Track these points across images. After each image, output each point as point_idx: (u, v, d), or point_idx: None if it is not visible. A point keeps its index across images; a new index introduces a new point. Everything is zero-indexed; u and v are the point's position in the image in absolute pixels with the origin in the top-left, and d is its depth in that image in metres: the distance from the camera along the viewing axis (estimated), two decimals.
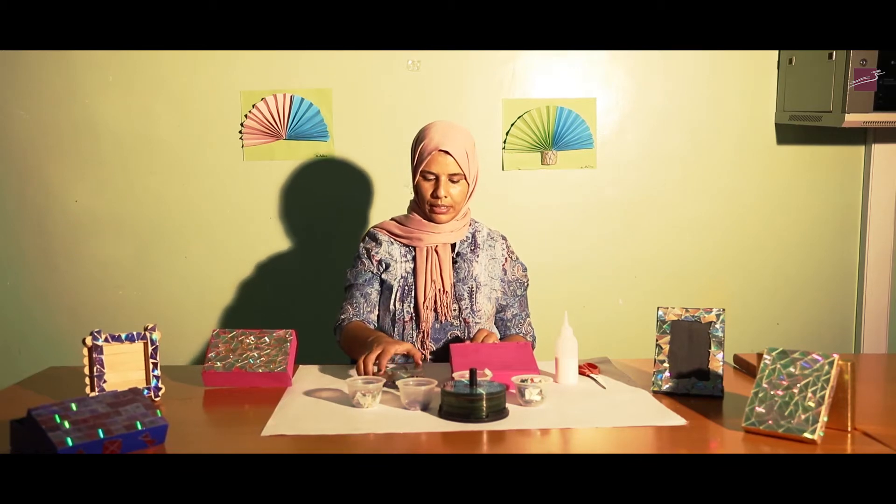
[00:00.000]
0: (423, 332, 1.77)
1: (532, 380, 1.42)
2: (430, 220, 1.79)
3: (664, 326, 1.49)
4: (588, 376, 1.61)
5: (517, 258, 1.89)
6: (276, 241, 2.36)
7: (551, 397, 1.44)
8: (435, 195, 1.78)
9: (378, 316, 1.77)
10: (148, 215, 2.33)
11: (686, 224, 2.46)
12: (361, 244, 1.85)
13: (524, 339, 1.89)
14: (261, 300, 2.35)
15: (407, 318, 1.74)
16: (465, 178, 1.79)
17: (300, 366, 1.71)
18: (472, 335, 1.71)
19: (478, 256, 1.83)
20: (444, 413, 1.34)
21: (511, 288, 1.85)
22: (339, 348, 1.85)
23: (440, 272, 1.78)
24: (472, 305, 1.77)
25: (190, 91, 2.16)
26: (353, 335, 1.80)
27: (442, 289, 1.77)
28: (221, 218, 2.35)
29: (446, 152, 1.76)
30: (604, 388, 1.53)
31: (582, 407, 1.40)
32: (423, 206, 1.79)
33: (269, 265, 2.34)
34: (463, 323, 1.75)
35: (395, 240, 1.83)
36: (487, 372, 1.44)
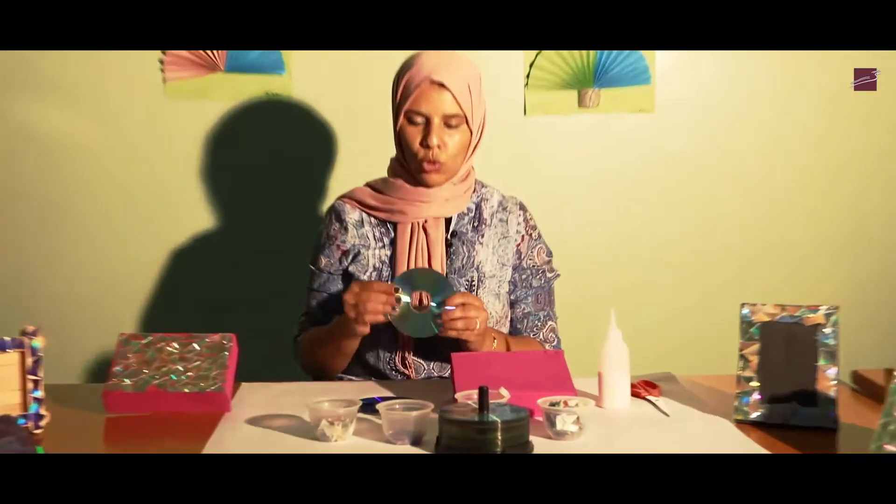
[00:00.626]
0: (402, 346, 1.78)
1: (566, 403, 1.44)
2: (419, 183, 1.79)
3: (751, 330, 1.50)
4: (645, 399, 1.62)
5: (539, 237, 1.90)
6: (209, 213, 2.35)
7: (593, 428, 1.44)
8: (424, 144, 1.75)
9: None
10: (26, 173, 2.30)
11: (782, 190, 2.44)
12: (322, 228, 1.88)
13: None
14: (188, 294, 2.36)
15: (381, 326, 1.73)
16: (467, 123, 1.76)
17: (242, 383, 1.73)
18: (471, 347, 1.70)
19: (482, 236, 1.84)
20: (444, 448, 1.35)
21: (525, 278, 1.85)
22: (301, 369, 1.87)
23: (428, 258, 1.78)
24: None
25: None
26: (315, 339, 1.80)
27: None
28: (132, 180, 2.32)
29: (441, 85, 1.73)
30: (667, 415, 1.54)
31: (636, 442, 1.41)
32: (409, 164, 1.81)
33: (198, 247, 2.35)
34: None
35: (370, 214, 1.84)
36: (504, 392, 1.44)
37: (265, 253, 2.35)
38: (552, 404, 1.43)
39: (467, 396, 1.45)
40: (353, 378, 1.84)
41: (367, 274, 1.81)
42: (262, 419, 1.52)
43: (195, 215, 2.33)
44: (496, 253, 1.84)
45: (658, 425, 1.49)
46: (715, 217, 2.44)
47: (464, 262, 1.81)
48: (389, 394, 1.66)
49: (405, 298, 1.66)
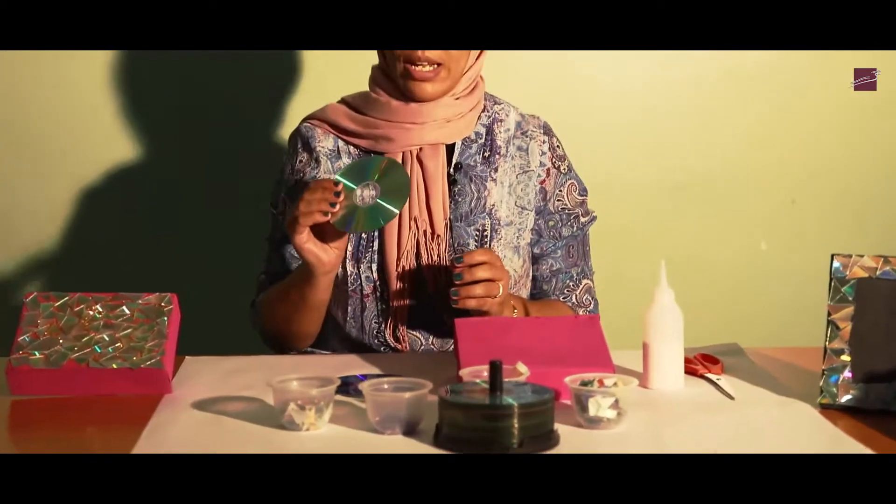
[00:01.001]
0: (394, 314, 1.82)
1: (601, 382, 1.44)
2: (409, 98, 1.80)
3: (844, 290, 1.50)
4: (703, 377, 1.62)
5: (570, 169, 1.91)
6: (135, 145, 2.39)
7: (635, 414, 1.44)
8: None
9: None
10: None
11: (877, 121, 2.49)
12: (286, 160, 1.91)
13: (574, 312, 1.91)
14: (116, 242, 2.40)
15: (366, 291, 1.78)
16: None
17: (186, 357, 1.74)
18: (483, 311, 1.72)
19: (495, 170, 1.86)
20: (445, 440, 1.36)
21: (552, 224, 1.88)
22: (263, 339, 1.87)
23: (426, 199, 1.80)
24: None
25: None
26: (274, 296, 1.81)
27: (429, 231, 1.80)
28: (38, 84, 2.34)
29: None
30: (731, 398, 1.54)
31: (690, 433, 1.42)
32: (395, 71, 1.81)
33: (126, 187, 2.39)
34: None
35: (346, 140, 1.85)
36: (522, 368, 1.45)
37: (216, 194, 2.40)
38: (584, 383, 1.43)
39: (475, 373, 1.45)
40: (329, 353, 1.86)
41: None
42: (213, 403, 1.52)
43: (114, 147, 2.39)
44: (514, 193, 1.85)
45: (719, 411, 1.49)
46: (802, 149, 2.49)
47: (472, 205, 1.83)
48: (376, 370, 1.66)
49: (351, 187, 1.67)
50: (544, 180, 1.86)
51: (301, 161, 1.86)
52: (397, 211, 1.68)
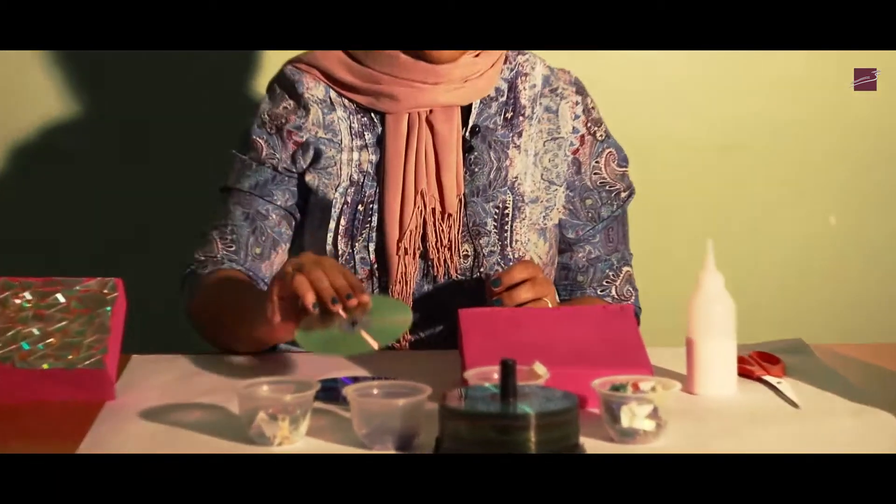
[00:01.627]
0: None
1: (636, 386, 1.44)
2: (420, 56, 1.85)
3: None
4: (760, 380, 1.62)
5: (608, 135, 1.95)
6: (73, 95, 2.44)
7: (678, 425, 1.45)
8: None
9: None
10: None
11: None
12: (262, 106, 1.92)
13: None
14: (50, 224, 2.46)
15: (360, 275, 1.83)
16: None
17: (133, 356, 1.75)
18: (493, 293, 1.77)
19: (519, 134, 1.89)
20: (447, 452, 1.36)
21: (590, 204, 1.90)
22: (192, 322, 1.87)
23: (436, 171, 1.81)
24: (504, 243, 1.83)
25: None
26: (229, 290, 1.83)
27: (439, 209, 1.83)
28: None
29: None
30: (795, 405, 1.55)
31: (745, 449, 1.43)
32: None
33: (66, 155, 2.46)
34: (481, 284, 1.81)
35: (342, 94, 1.88)
36: (539, 368, 1.46)
37: (157, 172, 2.46)
38: (615, 388, 1.43)
39: (483, 376, 1.47)
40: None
41: (337, 191, 1.84)
42: (166, 412, 1.53)
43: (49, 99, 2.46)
44: (541, 163, 1.88)
45: (780, 422, 1.49)
46: (880, 107, 2.50)
47: (491, 176, 1.86)
48: (364, 372, 1.67)
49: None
50: (577, 149, 1.89)
51: (286, 107, 1.88)
52: (373, 349, 1.61)
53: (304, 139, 1.86)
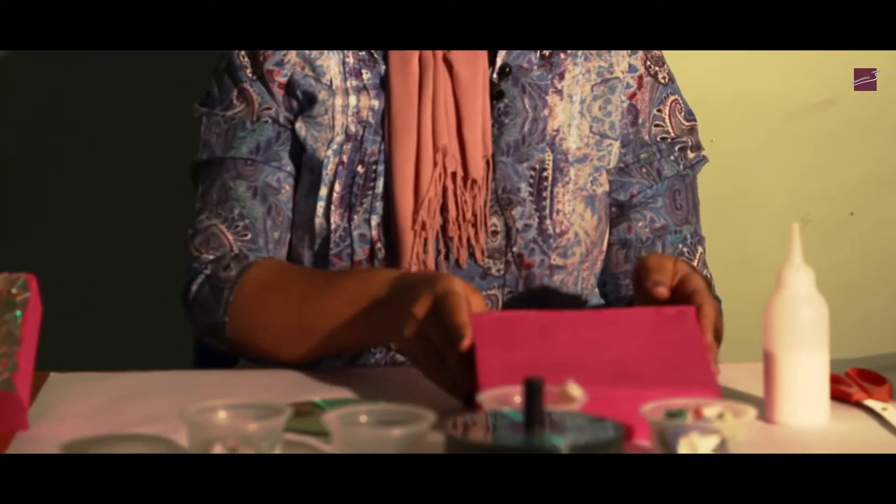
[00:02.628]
0: None
1: (698, 412, 1.45)
2: None
3: None
4: (860, 406, 1.64)
5: (672, 80, 2.01)
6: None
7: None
8: None
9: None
10: None
11: None
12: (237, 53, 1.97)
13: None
14: None
15: (359, 256, 1.88)
16: None
17: (52, 374, 1.76)
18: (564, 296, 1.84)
19: (561, 75, 1.93)
20: None
21: (646, 158, 1.95)
22: (229, 342, 1.88)
23: (457, 125, 1.86)
24: (542, 215, 1.86)
25: None
26: (303, 296, 1.83)
27: (460, 173, 1.86)
28: None
29: None
30: None
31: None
32: None
33: None
34: (515, 266, 1.83)
35: None
36: (574, 389, 1.47)
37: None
38: (670, 415, 1.44)
39: (502, 399, 1.47)
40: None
41: (330, 147, 1.88)
42: (93, 445, 1.53)
43: None
44: (589, 112, 1.92)
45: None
46: None
47: (525, 129, 1.89)
48: (347, 393, 1.69)
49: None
50: (634, 93, 1.93)
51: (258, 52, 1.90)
52: None
53: (288, 77, 1.89)
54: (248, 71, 1.90)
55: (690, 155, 1.94)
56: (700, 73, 2.43)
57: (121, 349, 2.05)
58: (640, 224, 1.93)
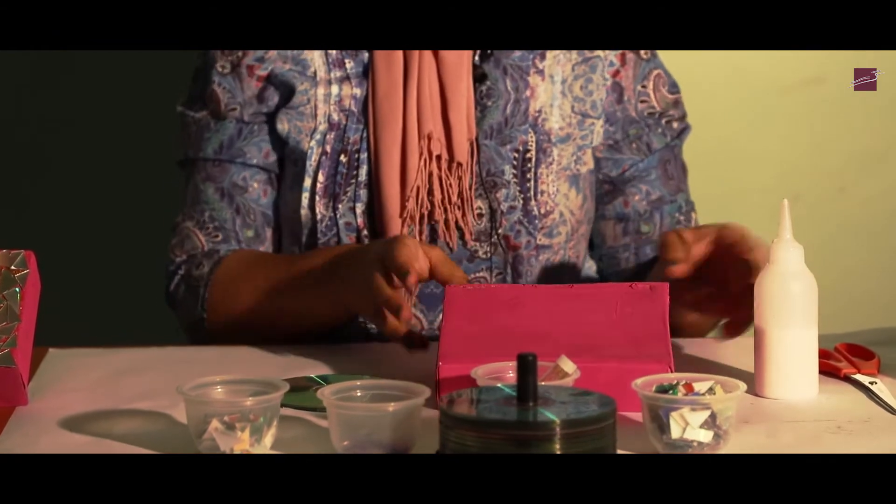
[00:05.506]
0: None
1: (689, 387, 1.45)
2: None
3: None
4: (849, 380, 1.64)
5: (654, 55, 2.01)
6: None
7: (745, 437, 1.47)
8: None
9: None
10: None
11: None
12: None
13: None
14: None
15: (349, 242, 1.89)
16: None
17: (51, 349, 1.77)
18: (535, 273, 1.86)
19: (542, 56, 1.94)
20: None
21: (635, 134, 1.96)
22: (207, 331, 1.90)
23: (442, 108, 1.88)
24: (526, 196, 1.87)
25: None
26: (265, 279, 1.86)
27: (445, 156, 1.86)
28: None
29: None
30: (893, 411, 1.56)
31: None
32: None
33: None
34: (502, 248, 1.84)
35: None
36: (566, 364, 1.48)
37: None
38: (661, 389, 1.44)
39: (494, 373, 1.48)
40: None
41: (313, 137, 1.89)
42: (93, 420, 1.53)
43: None
44: (571, 92, 1.92)
45: (875, 433, 1.49)
46: None
47: (508, 112, 1.89)
48: (343, 368, 1.69)
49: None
50: (618, 71, 1.93)
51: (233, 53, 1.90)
52: None
53: (268, 71, 1.88)
54: (221, 66, 1.90)
55: (676, 126, 1.95)
56: (690, 51, 2.41)
57: (119, 325, 2.05)
58: (637, 198, 1.93)
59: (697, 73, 2.38)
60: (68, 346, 1.77)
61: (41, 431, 1.50)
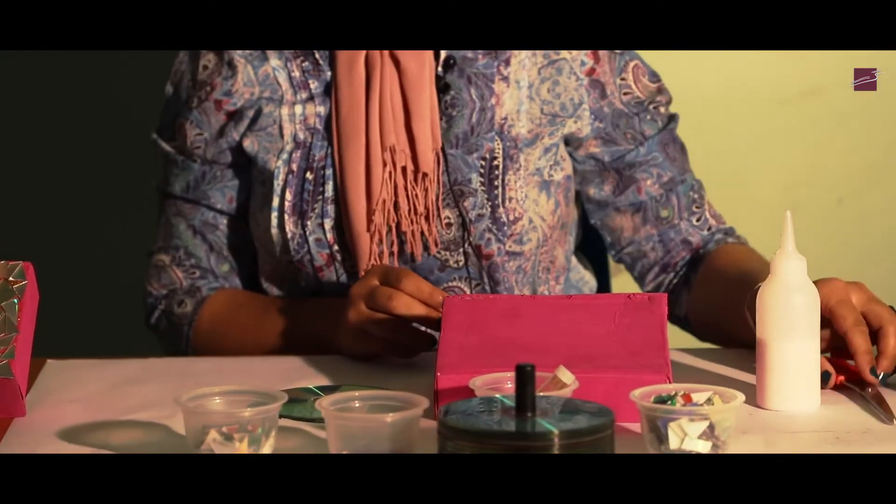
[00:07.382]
0: None
1: (688, 397, 1.46)
2: None
3: None
4: (848, 386, 1.64)
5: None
6: None
7: (745, 448, 1.47)
8: None
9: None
10: None
11: None
12: (177, 70, 1.98)
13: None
14: None
15: (319, 262, 1.89)
16: None
17: (48, 361, 1.77)
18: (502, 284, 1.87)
19: (506, 61, 1.93)
20: None
21: (625, 124, 1.95)
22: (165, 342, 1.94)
23: (405, 119, 1.88)
24: (494, 203, 1.87)
25: None
26: (230, 324, 1.89)
27: (410, 167, 1.86)
28: None
29: None
30: (889, 421, 1.56)
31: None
32: None
33: None
34: (475, 256, 1.84)
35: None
36: (565, 374, 1.49)
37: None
38: (660, 400, 1.44)
39: (493, 384, 1.48)
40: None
41: (280, 157, 1.88)
42: (90, 431, 1.54)
43: None
44: (538, 96, 1.91)
45: (872, 443, 1.49)
46: None
47: (474, 121, 1.89)
48: (341, 380, 1.70)
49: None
50: (593, 69, 1.91)
51: (206, 67, 1.90)
52: None
53: (237, 107, 1.88)
54: (190, 99, 1.90)
55: (663, 110, 1.94)
56: (689, 62, 2.43)
57: (117, 336, 2.04)
58: (649, 182, 1.92)
59: (697, 84, 2.38)
60: (66, 357, 1.76)
61: (39, 442, 1.50)
